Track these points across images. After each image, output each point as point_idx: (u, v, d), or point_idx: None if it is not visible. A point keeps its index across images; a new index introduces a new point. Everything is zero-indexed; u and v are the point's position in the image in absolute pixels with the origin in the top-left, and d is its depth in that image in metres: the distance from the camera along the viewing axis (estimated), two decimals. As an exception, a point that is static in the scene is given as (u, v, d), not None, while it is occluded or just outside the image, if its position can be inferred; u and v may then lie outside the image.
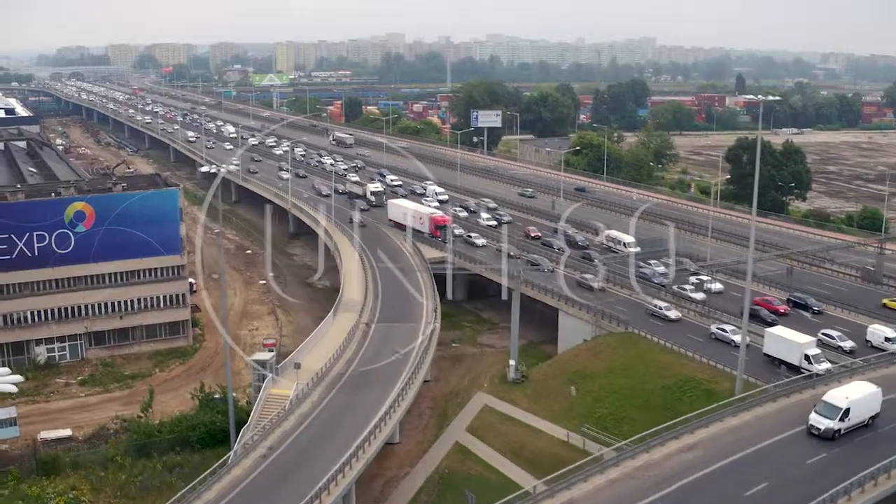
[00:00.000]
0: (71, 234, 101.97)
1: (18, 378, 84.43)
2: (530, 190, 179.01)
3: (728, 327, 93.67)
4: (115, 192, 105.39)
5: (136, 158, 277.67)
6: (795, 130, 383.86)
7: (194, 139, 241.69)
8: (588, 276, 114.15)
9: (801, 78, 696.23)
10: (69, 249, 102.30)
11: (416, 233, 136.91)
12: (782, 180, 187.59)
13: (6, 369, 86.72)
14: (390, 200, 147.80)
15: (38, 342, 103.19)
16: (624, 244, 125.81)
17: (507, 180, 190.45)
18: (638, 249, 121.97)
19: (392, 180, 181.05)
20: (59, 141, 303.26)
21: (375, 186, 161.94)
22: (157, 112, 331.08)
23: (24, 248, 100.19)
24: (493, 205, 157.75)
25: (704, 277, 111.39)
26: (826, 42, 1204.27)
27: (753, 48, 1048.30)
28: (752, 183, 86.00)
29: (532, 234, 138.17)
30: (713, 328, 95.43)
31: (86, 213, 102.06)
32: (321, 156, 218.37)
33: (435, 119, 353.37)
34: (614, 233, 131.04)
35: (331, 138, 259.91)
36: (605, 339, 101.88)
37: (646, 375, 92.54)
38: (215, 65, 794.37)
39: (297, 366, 79.16)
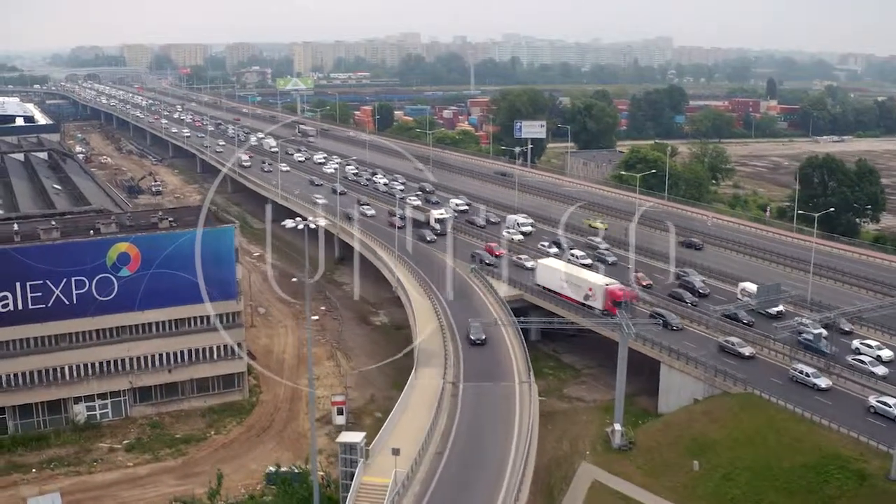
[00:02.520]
0: (114, 278, 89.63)
1: None
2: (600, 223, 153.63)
3: (892, 401, 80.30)
4: (162, 231, 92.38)
5: (160, 168, 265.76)
6: (836, 138, 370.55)
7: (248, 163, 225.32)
8: (735, 339, 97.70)
9: (822, 80, 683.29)
10: (112, 296, 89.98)
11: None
12: (857, 201, 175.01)
13: None
14: (540, 261, 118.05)
15: (77, 400, 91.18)
16: (747, 294, 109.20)
17: (562, 199, 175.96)
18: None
19: (457, 204, 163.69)
20: (78, 149, 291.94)
21: (440, 213, 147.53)
22: (183, 120, 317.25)
23: (61, 295, 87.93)
24: (599, 242, 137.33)
25: (872, 343, 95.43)
26: (842, 42, 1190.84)
27: (771, 48, 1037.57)
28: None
29: (643, 283, 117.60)
30: (872, 400, 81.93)
31: (130, 256, 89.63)
32: (374, 174, 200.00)
33: (466, 125, 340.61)
34: (748, 285, 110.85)
35: (296, 130, 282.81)
36: (723, 401, 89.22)
37: (779, 449, 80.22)
38: (231, 65, 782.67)
39: (396, 452, 66.48)
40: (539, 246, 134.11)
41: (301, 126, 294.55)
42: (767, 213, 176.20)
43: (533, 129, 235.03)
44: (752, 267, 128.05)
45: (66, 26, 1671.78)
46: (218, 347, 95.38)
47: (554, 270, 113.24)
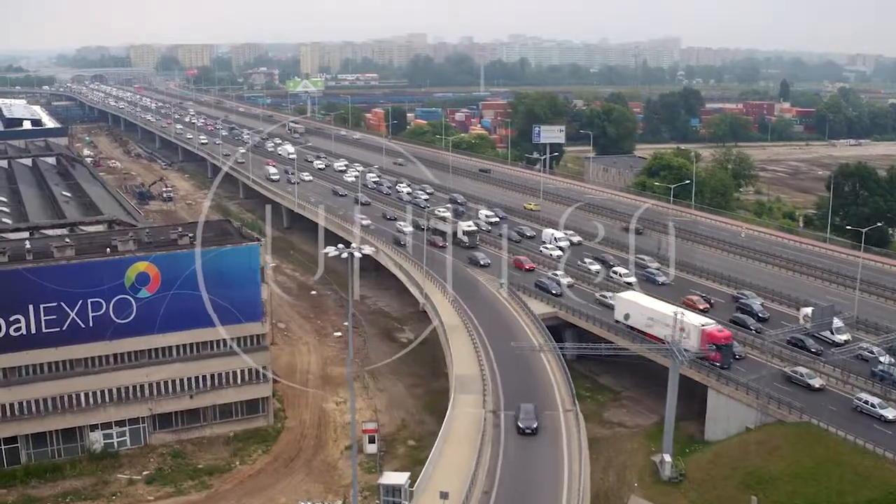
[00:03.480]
0: (132, 300, 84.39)
1: None
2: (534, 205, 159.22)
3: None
4: (183, 249, 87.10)
5: (170, 173, 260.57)
6: (853, 142, 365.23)
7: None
8: (803, 370, 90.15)
9: (831, 81, 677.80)
10: (130, 319, 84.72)
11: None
12: (889, 211, 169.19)
13: None
14: (619, 296, 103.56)
15: (94, 427, 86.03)
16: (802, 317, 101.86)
17: (587, 207, 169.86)
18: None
19: (487, 216, 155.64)
20: (86, 152, 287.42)
21: (468, 225, 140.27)
22: (194, 123, 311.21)
23: (76, 318, 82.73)
24: (650, 261, 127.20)
25: None
26: (843, 42, 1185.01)
27: (774, 48, 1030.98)
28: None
29: (700, 307, 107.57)
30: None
31: (150, 276, 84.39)
32: (400, 183, 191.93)
33: (479, 129, 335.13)
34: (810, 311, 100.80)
35: (287, 128, 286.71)
36: (778, 431, 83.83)
37: (842, 485, 75.10)
38: (238, 66, 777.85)
39: (445, 496, 61.26)
40: (580, 263, 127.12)
41: (290, 123, 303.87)
42: (801, 224, 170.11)
43: (552, 134, 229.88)
44: (794, 283, 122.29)
45: (72, 26, 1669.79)
46: (242, 371, 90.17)
47: (637, 306, 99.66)
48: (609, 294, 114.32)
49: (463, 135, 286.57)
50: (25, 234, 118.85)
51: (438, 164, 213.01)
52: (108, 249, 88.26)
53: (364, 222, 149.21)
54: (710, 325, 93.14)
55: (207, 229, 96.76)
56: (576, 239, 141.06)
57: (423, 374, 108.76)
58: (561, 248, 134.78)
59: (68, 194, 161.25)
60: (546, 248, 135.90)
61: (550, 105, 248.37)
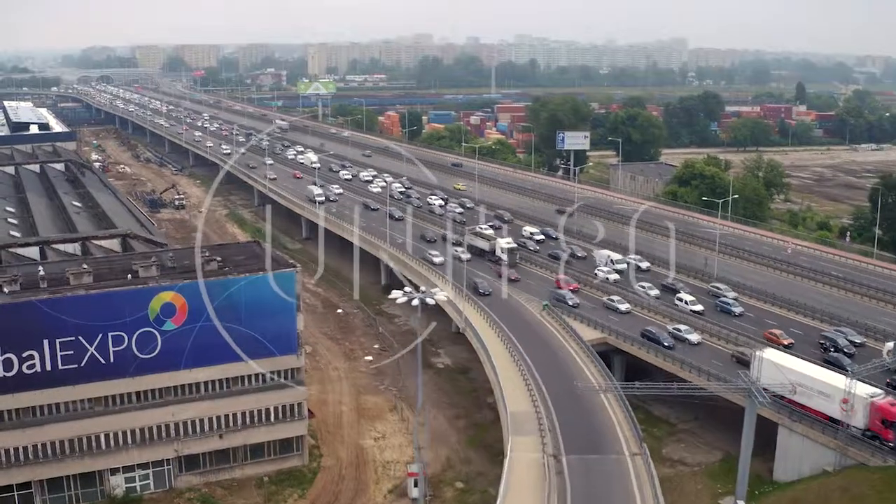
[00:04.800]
0: (157, 333, 76.99)
1: None
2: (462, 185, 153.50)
3: None
4: (213, 277, 79.63)
5: (181, 178, 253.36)
6: (874, 146, 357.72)
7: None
8: None
9: (841, 82, 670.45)
10: (155, 353, 77.34)
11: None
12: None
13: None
14: (765, 356, 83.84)
15: (115, 471, 78.84)
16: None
17: (621, 219, 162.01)
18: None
19: (531, 233, 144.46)
20: (94, 156, 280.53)
21: (508, 242, 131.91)
22: (206, 128, 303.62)
23: (95, 353, 75.37)
24: (726, 290, 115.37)
25: None
26: (849, 43, 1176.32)
27: (787, 50, 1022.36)
28: None
29: (784, 342, 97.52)
30: None
31: (176, 306, 76.98)
32: (435, 196, 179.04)
33: (495, 133, 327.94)
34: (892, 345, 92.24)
35: (274, 125, 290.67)
36: (863, 476, 76.39)
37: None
38: (245, 67, 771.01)
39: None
40: (637, 287, 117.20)
41: (277, 121, 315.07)
42: (847, 238, 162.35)
43: (576, 140, 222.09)
44: (847, 303, 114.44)
45: (76, 26, 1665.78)
46: (276, 408, 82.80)
47: (786, 370, 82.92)
48: (617, 298, 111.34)
49: (481, 139, 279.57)
50: (36, 250, 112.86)
51: (436, 165, 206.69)
52: (129, 276, 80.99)
53: (437, 260, 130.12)
54: (880, 396, 78.78)
55: (236, 252, 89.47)
56: (644, 265, 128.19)
57: (465, 405, 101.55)
58: (618, 272, 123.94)
59: (79, 204, 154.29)
60: (601, 270, 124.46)
61: (574, 110, 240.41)
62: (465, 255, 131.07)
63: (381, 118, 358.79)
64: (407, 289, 57.31)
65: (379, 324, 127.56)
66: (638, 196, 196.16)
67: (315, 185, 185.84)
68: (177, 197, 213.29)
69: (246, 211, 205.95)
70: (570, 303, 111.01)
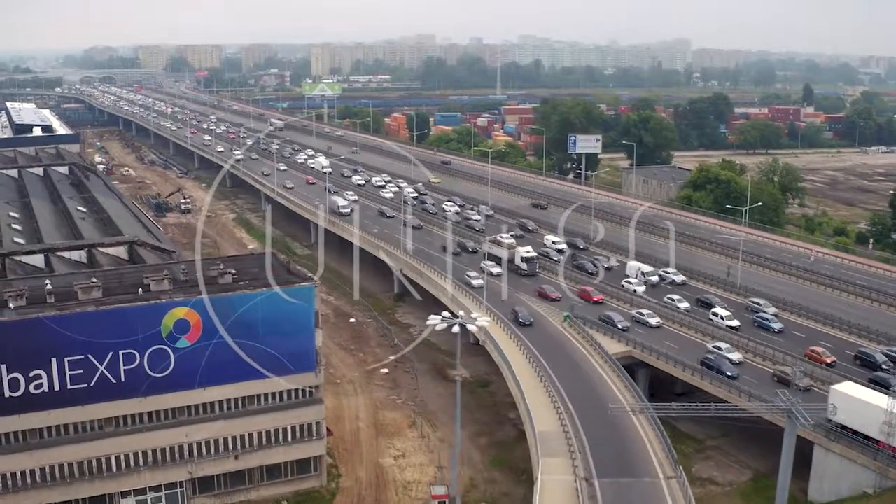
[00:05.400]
0: (170, 350, 73.54)
1: None
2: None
3: None
4: (228, 291, 76.14)
5: (186, 181, 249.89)
6: (885, 149, 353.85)
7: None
8: None
9: (845, 83, 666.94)
10: (168, 372, 73.87)
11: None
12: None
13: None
14: (839, 388, 79.19)
15: (126, 494, 75.38)
16: None
17: (650, 229, 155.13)
18: None
19: (553, 242, 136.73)
20: (98, 158, 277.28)
21: (527, 250, 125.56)
22: (212, 129, 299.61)
23: (105, 372, 71.94)
24: (766, 305, 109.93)
25: None
26: (850, 43, 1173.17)
27: (792, 51, 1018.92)
28: None
29: (827, 361, 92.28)
30: None
31: (190, 323, 73.49)
32: (451, 202, 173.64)
33: (503, 135, 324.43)
34: None
35: (269, 124, 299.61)
36: (907, 499, 72.73)
37: None
38: (248, 67, 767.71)
39: None
40: (666, 299, 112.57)
41: (272, 120, 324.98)
42: (871, 246, 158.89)
43: (588, 143, 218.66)
44: (876, 314, 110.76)
45: (77, 26, 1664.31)
46: (293, 428, 79.39)
47: (868, 407, 75.88)
48: (647, 312, 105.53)
49: (489, 141, 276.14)
50: (41, 258, 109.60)
51: (427, 163, 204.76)
52: (141, 290, 77.52)
53: (476, 282, 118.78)
54: None
55: (250, 264, 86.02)
56: (679, 278, 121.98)
57: (486, 421, 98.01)
58: (652, 285, 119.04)
59: (83, 209, 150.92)
60: (630, 282, 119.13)
61: (586, 113, 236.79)
62: (497, 270, 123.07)
63: (387, 120, 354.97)
64: (445, 314, 53.60)
65: (394, 334, 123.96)
66: (653, 200, 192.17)
67: (336, 194, 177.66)
68: (183, 201, 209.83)
69: (253, 215, 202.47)
70: (620, 326, 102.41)
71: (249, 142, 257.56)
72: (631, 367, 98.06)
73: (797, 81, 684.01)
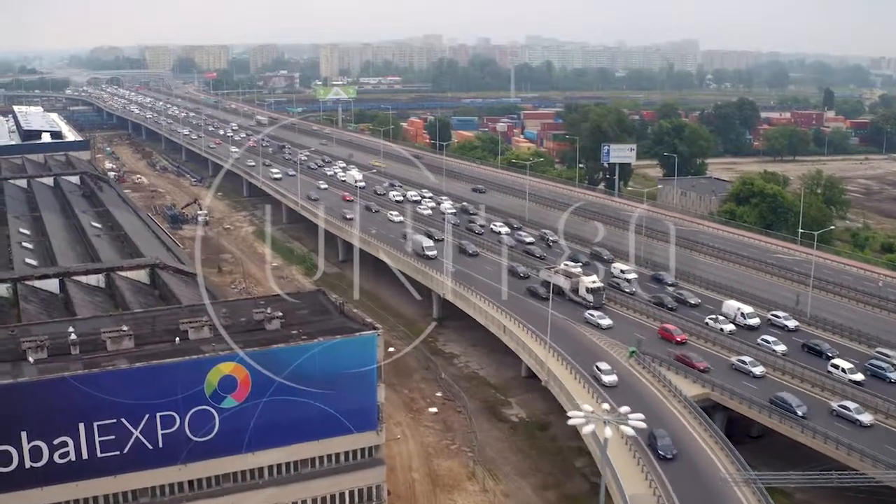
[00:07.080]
0: (214, 411, 64.05)
1: None
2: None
3: None
4: (280, 343, 66.59)
5: (200, 190, 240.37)
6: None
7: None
8: None
9: (857, 85, 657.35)
10: (212, 435, 64.38)
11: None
12: None
13: None
14: None
15: (163, 571, 65.58)
16: None
17: (706, 249, 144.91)
18: None
19: (622, 271, 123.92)
20: (108, 164, 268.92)
21: (593, 281, 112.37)
22: (229, 136, 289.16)
23: (141, 437, 62.45)
24: (893, 357, 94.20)
25: None
26: (849, 43, 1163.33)
27: (801, 52, 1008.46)
28: None
29: None
30: None
31: (238, 380, 64.00)
32: (495, 222, 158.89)
33: (524, 141, 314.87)
34: None
35: (254, 121, 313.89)
36: None
37: None
38: (256, 68, 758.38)
39: None
40: (760, 341, 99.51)
41: (257, 117, 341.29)
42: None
43: (622, 153, 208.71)
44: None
45: (84, 26, 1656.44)
46: (351, 493, 69.89)
47: None
48: (749, 360, 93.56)
49: (512, 149, 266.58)
50: (55, 283, 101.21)
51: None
52: (178, 338, 68.06)
53: (607, 378, 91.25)
54: None
55: (303, 304, 76.47)
56: (792, 323, 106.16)
57: (551, 470, 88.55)
58: (751, 327, 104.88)
59: (98, 225, 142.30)
60: (715, 320, 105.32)
61: (619, 121, 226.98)
62: (606, 321, 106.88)
63: (404, 124, 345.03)
64: (588, 407, 44.14)
65: (440, 367, 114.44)
66: (692, 215, 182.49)
67: (417, 231, 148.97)
68: (199, 212, 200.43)
69: (274, 228, 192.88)
70: (800, 413, 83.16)
71: (279, 152, 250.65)
72: (710, 411, 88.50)
73: (810, 83, 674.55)
